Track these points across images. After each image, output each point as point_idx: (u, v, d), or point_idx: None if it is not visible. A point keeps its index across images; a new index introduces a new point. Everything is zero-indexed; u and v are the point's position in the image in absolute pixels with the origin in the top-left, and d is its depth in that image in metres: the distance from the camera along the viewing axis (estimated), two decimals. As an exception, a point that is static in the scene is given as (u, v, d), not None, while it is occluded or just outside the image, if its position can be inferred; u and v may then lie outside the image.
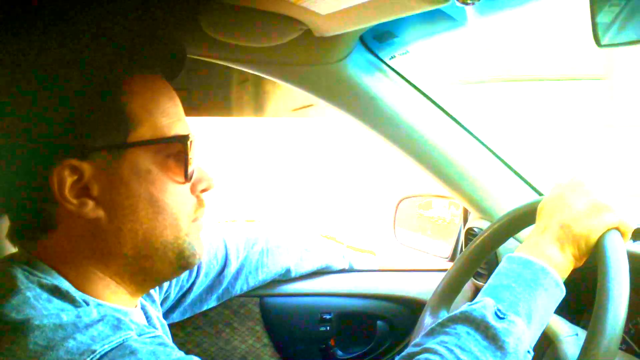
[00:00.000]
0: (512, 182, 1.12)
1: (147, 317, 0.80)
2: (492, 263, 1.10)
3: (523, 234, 0.89)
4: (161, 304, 0.97)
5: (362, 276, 1.28)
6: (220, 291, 1.11)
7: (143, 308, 0.79)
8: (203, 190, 0.72)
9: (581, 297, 0.90)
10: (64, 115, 0.63)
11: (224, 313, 1.19)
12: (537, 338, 0.69)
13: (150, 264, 0.69)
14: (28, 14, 0.67)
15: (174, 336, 0.83)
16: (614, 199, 0.74)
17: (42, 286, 0.62)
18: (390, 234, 1.41)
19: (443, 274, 0.94)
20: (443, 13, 0.91)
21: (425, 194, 1.38)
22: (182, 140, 0.68)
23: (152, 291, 0.89)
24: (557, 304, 0.71)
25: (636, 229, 0.89)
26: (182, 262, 0.71)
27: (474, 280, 1.19)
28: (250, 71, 1.04)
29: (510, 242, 0.92)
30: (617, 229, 0.72)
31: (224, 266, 1.10)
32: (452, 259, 1.29)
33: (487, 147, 1.10)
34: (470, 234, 1.18)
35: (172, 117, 0.69)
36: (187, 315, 1.10)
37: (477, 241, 0.90)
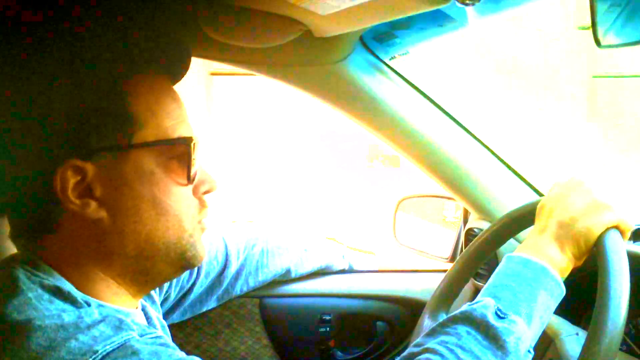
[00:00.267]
0: (513, 183, 1.12)
1: (148, 318, 0.80)
2: (492, 264, 1.10)
3: (523, 234, 0.89)
4: (161, 305, 0.97)
5: (361, 277, 1.28)
6: (220, 292, 1.11)
7: (143, 309, 0.79)
8: (205, 192, 0.73)
9: (581, 298, 0.90)
10: (68, 115, 0.63)
11: (224, 314, 1.19)
12: (537, 337, 0.69)
13: (152, 264, 0.69)
14: (34, 15, 0.67)
15: (174, 337, 0.83)
16: (613, 198, 0.74)
17: (43, 287, 0.62)
18: (390, 235, 1.41)
19: (443, 275, 0.94)
20: (443, 13, 0.91)
21: (426, 195, 1.38)
22: (186, 142, 0.68)
23: (152, 292, 0.89)
24: (557, 303, 0.71)
25: (637, 229, 0.89)
26: (184, 262, 0.71)
27: (474, 281, 1.19)
28: (250, 72, 1.04)
29: (511, 242, 0.92)
30: (616, 227, 0.73)
31: (224, 267, 1.10)
32: (452, 259, 1.29)
33: (487, 148, 1.10)
34: (470, 235, 1.18)
35: (176, 119, 0.69)
36: (187, 316, 1.10)
37: (477, 242, 0.90)
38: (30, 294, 0.61)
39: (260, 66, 1.02)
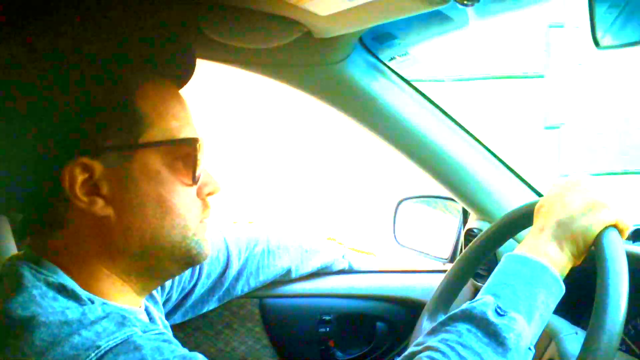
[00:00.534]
0: (512, 183, 1.12)
1: (150, 318, 0.80)
2: (492, 264, 1.10)
3: (523, 235, 0.89)
4: (163, 305, 0.98)
5: (361, 277, 1.28)
6: (221, 292, 1.12)
7: (146, 309, 0.79)
8: (209, 194, 0.73)
9: (581, 298, 0.90)
10: (77, 114, 0.64)
11: (224, 314, 1.20)
12: (538, 335, 0.69)
13: (157, 262, 0.70)
14: (45, 15, 0.68)
15: (175, 337, 0.83)
16: (611, 197, 0.74)
17: (48, 284, 0.63)
18: (390, 236, 1.41)
19: (443, 275, 0.94)
20: (443, 14, 0.91)
21: (425, 195, 1.38)
22: (192, 143, 0.69)
23: (154, 292, 0.89)
24: (557, 302, 0.71)
25: (637, 230, 0.89)
26: (188, 259, 0.72)
27: (474, 281, 1.19)
28: (250, 72, 1.04)
29: (510, 243, 0.92)
30: (614, 226, 0.73)
31: (226, 267, 1.10)
32: (452, 260, 1.29)
33: (486, 148, 1.11)
34: (469, 235, 1.18)
35: (182, 120, 0.70)
36: (189, 317, 1.10)
37: (476, 242, 0.90)
38: (34, 291, 0.61)
39: (260, 67, 1.02)
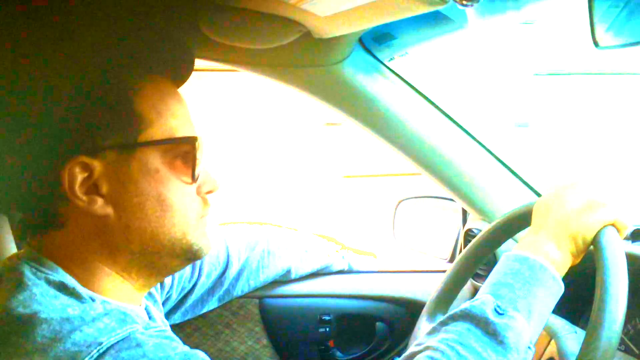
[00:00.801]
0: (511, 183, 1.12)
1: (150, 317, 0.80)
2: (491, 264, 1.10)
3: (522, 235, 0.89)
4: (162, 305, 0.98)
5: (361, 277, 1.28)
6: (221, 292, 1.12)
7: (146, 308, 0.79)
8: (208, 192, 0.74)
9: (580, 297, 0.90)
10: (77, 113, 0.65)
11: (224, 314, 1.20)
12: (537, 334, 0.69)
13: (158, 258, 0.70)
14: (44, 15, 0.68)
15: (174, 337, 0.84)
16: (610, 196, 0.74)
17: (49, 283, 0.63)
18: (390, 236, 1.42)
19: (442, 275, 0.94)
20: (443, 15, 0.91)
21: (424, 196, 1.38)
22: (191, 141, 0.69)
23: (154, 292, 0.89)
24: (556, 300, 0.71)
25: (636, 230, 0.89)
26: (189, 255, 0.72)
27: (473, 281, 1.19)
28: (250, 73, 1.04)
29: (510, 243, 0.92)
30: (613, 225, 0.73)
31: (226, 267, 1.10)
32: (452, 260, 1.29)
33: (485, 148, 1.11)
34: (469, 235, 1.18)
35: (181, 119, 0.70)
36: (189, 317, 1.10)
37: (476, 242, 0.90)
38: (35, 290, 0.62)
39: (260, 67, 1.02)
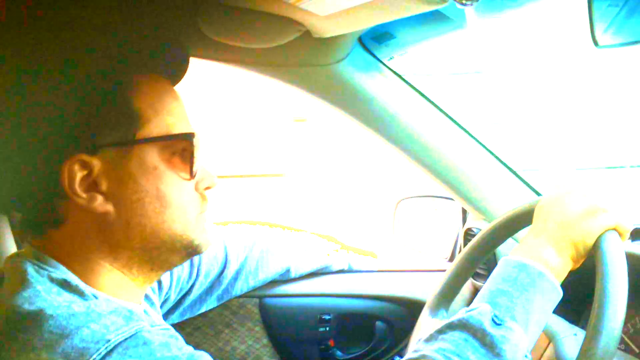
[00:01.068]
0: (511, 183, 1.12)
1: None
2: (491, 263, 1.11)
3: (521, 234, 0.89)
4: (161, 306, 0.98)
5: (361, 277, 1.28)
6: (220, 292, 1.12)
7: (144, 311, 0.79)
8: (206, 188, 0.74)
9: (580, 296, 0.90)
10: (75, 112, 0.65)
11: (224, 314, 1.20)
12: (534, 342, 0.69)
13: (158, 254, 0.71)
14: (43, 14, 0.69)
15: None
16: (611, 201, 0.74)
17: (52, 280, 0.64)
18: (389, 235, 1.42)
19: (442, 275, 0.94)
20: (442, 14, 0.91)
21: (424, 195, 1.38)
22: (189, 137, 0.70)
23: (151, 294, 0.89)
24: (554, 306, 0.71)
25: (635, 229, 0.89)
26: (190, 250, 0.73)
27: (473, 280, 1.19)
28: (249, 72, 1.04)
29: (509, 242, 0.92)
30: (614, 229, 0.73)
31: (224, 267, 1.10)
32: (451, 259, 1.29)
33: (485, 148, 1.11)
34: (468, 235, 1.18)
35: (178, 116, 0.71)
36: (187, 317, 1.10)
37: (475, 242, 0.90)
38: (39, 287, 0.62)
39: (259, 67, 1.02)
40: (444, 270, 0.95)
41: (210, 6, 0.81)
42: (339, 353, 1.24)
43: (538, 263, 0.71)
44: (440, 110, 1.08)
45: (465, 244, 1.19)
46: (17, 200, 0.70)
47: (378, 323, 1.25)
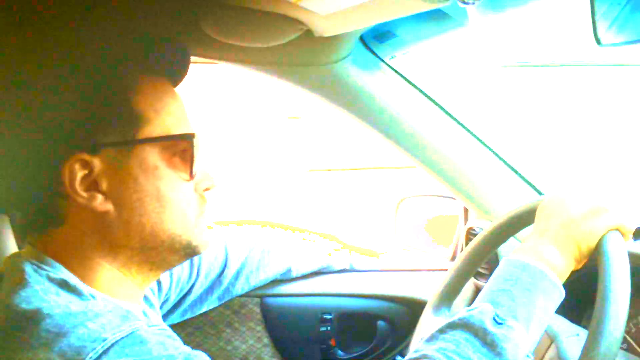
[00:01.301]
0: (513, 182, 1.12)
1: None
2: (492, 262, 1.10)
3: (523, 233, 0.89)
4: (161, 307, 0.98)
5: (362, 276, 1.28)
6: (221, 291, 1.12)
7: (143, 312, 0.79)
8: (205, 190, 0.74)
9: (582, 295, 0.90)
10: (77, 111, 0.65)
11: (225, 313, 1.20)
12: (536, 342, 0.69)
13: (157, 254, 0.71)
14: (44, 15, 0.69)
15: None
16: (614, 201, 0.74)
17: (50, 280, 0.64)
18: (391, 235, 1.41)
19: (443, 274, 0.94)
20: (443, 13, 0.91)
21: (426, 194, 1.38)
22: (189, 138, 0.70)
23: (151, 295, 0.90)
24: (556, 306, 0.71)
25: (638, 229, 0.89)
26: (189, 250, 0.73)
27: (475, 279, 1.19)
28: (250, 71, 1.04)
29: (511, 241, 0.92)
30: (617, 230, 0.72)
31: (225, 267, 1.10)
32: (453, 258, 1.29)
33: (487, 147, 1.10)
34: (470, 234, 1.18)
35: (178, 117, 0.71)
36: (188, 316, 1.10)
37: (478, 240, 0.90)
38: (37, 287, 0.62)
39: (261, 66, 1.02)
40: (445, 270, 0.95)
41: (212, 5, 0.81)
42: (340, 352, 1.24)
43: (540, 262, 0.70)
44: (443, 109, 1.08)
45: (467, 243, 1.19)
46: (17, 199, 0.70)
47: (379, 322, 1.25)
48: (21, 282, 0.63)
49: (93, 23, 0.70)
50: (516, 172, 1.12)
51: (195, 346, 1.17)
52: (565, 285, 0.71)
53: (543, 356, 0.86)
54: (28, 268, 0.64)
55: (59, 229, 0.67)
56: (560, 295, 0.71)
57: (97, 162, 0.66)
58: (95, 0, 0.72)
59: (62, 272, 0.65)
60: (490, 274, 0.73)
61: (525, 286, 0.69)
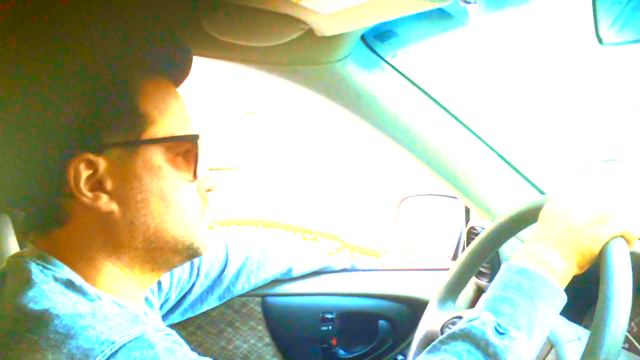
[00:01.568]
0: (514, 181, 1.12)
1: None
2: (494, 262, 1.10)
3: (525, 233, 0.89)
4: (161, 307, 0.98)
5: (363, 275, 1.28)
6: (221, 291, 1.12)
7: (145, 313, 0.79)
8: (207, 190, 0.75)
9: (584, 293, 0.89)
10: (82, 111, 0.66)
11: (226, 313, 1.20)
12: (538, 349, 0.68)
13: (160, 254, 0.71)
14: (49, 15, 0.70)
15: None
16: (619, 207, 0.73)
17: (56, 280, 0.64)
18: (392, 234, 1.42)
19: (444, 273, 0.94)
20: (445, 12, 0.91)
21: (427, 194, 1.38)
22: (193, 139, 0.71)
23: (151, 296, 0.90)
24: (558, 312, 0.70)
25: None
26: (191, 251, 0.73)
27: (476, 279, 1.19)
28: (252, 71, 1.04)
29: (513, 241, 0.92)
30: (621, 237, 0.71)
31: (225, 266, 1.10)
32: (454, 258, 1.29)
33: (489, 146, 1.10)
34: (471, 233, 1.18)
35: (181, 117, 0.72)
36: (188, 316, 1.10)
37: (479, 240, 0.90)
38: (44, 286, 0.62)
39: (262, 65, 1.02)
40: (447, 269, 0.95)
41: (213, 4, 0.81)
42: (341, 352, 1.24)
43: (541, 267, 0.70)
44: (443, 108, 1.08)
45: (468, 243, 1.19)
46: (21, 199, 0.70)
47: (381, 322, 1.25)
48: (27, 282, 0.63)
49: (97, 24, 0.70)
50: (518, 171, 1.12)
51: (197, 345, 1.17)
52: (566, 286, 0.71)
53: (544, 360, 0.85)
54: (33, 268, 0.64)
55: (63, 229, 0.68)
56: (561, 300, 0.70)
57: (102, 162, 0.66)
58: (99, 2, 0.73)
59: (67, 272, 0.66)
60: (492, 274, 0.73)
61: (526, 293, 0.68)
